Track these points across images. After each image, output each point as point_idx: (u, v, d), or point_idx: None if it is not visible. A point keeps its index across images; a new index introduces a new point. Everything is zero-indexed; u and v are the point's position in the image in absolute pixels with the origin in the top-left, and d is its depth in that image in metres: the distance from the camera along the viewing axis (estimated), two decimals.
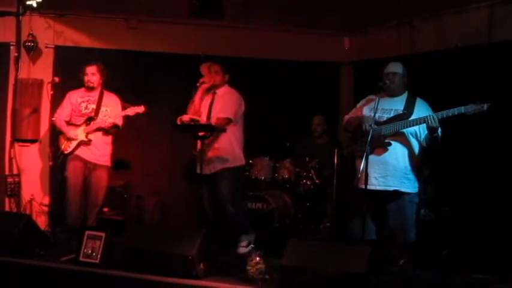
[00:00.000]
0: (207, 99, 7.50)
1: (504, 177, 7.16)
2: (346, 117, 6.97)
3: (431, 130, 6.21)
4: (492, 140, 7.31)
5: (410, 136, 6.45)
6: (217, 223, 7.48)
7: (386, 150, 6.42)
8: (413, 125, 6.34)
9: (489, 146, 7.34)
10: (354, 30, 9.91)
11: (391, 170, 6.43)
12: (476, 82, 7.37)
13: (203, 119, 7.36)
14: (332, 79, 10.11)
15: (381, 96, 6.45)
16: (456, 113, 6.03)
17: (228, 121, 7.33)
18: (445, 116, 6.09)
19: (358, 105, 6.90)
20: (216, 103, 7.45)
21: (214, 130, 7.25)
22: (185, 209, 9.23)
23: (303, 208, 8.71)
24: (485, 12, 7.59)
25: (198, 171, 7.32)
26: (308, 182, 8.69)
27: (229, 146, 7.44)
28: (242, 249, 7.33)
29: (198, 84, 7.40)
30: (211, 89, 7.50)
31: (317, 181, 8.66)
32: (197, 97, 7.43)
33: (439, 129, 6.19)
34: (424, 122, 6.22)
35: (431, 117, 6.12)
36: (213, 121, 7.33)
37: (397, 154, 6.45)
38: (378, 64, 6.93)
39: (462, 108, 5.99)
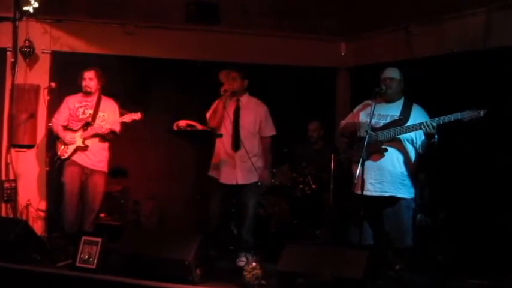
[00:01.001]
0: (231, 107, 7.44)
1: (500, 182, 7.16)
2: (343, 122, 6.98)
3: (428, 136, 6.21)
4: (488, 146, 7.32)
5: (406, 142, 6.45)
6: (217, 231, 7.48)
7: (383, 156, 6.42)
8: (409, 131, 6.34)
9: (485, 152, 7.34)
10: (350, 36, 9.91)
11: (387, 175, 6.43)
12: (472, 88, 7.38)
13: (227, 127, 7.37)
14: (329, 84, 10.12)
15: (377, 102, 6.46)
16: (453, 119, 6.03)
17: (273, 137, 7.53)
18: (441, 122, 6.09)
19: (355, 110, 6.89)
20: (243, 114, 7.43)
21: (212, 136, 7.25)
22: (182, 213, 9.24)
23: (300, 213, 8.71)
24: (482, 18, 7.61)
25: (223, 180, 7.33)
26: (305, 188, 8.69)
27: (260, 159, 7.47)
28: (241, 263, 7.24)
29: (222, 93, 7.31)
30: (233, 96, 7.45)
31: (314, 186, 8.66)
32: (221, 105, 7.33)
33: (436, 135, 6.21)
34: (421, 128, 6.23)
35: (428, 123, 6.13)
36: (243, 134, 7.33)
37: (393, 160, 6.45)
38: (375, 69, 6.93)
39: (459, 114, 5.99)
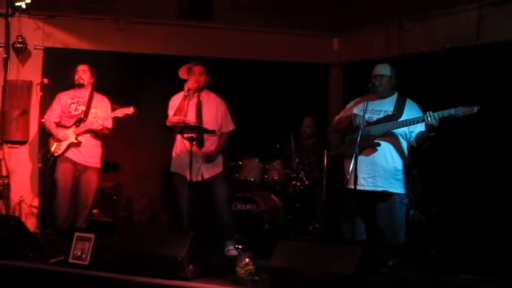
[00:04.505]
0: (193, 102, 7.44)
1: (493, 178, 7.18)
2: (336, 118, 6.95)
3: (429, 128, 6.20)
4: (481, 141, 7.33)
5: (399, 137, 6.46)
6: (194, 227, 7.45)
7: (376, 150, 6.43)
8: (403, 126, 6.34)
9: (478, 147, 7.36)
10: (343, 32, 9.91)
11: (379, 170, 6.44)
12: (465, 84, 7.39)
13: (191, 121, 7.36)
14: (321, 80, 10.11)
15: (370, 98, 6.47)
16: (446, 115, 6.04)
17: (232, 132, 7.52)
18: (439, 116, 6.08)
19: (348, 106, 6.88)
20: (205, 109, 7.43)
21: (203, 132, 7.24)
22: (175, 210, 9.22)
23: (293, 209, 8.72)
24: (474, 14, 7.62)
25: (189, 178, 7.31)
26: (297, 183, 8.70)
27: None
28: (231, 252, 7.32)
29: (186, 91, 7.35)
30: (195, 92, 7.44)
31: (306, 182, 8.66)
32: (185, 104, 7.34)
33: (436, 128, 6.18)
34: (413, 123, 6.26)
35: (432, 114, 6.10)
36: (209, 127, 7.31)
37: (386, 155, 6.46)
38: (367, 65, 6.92)
39: (452, 110, 5.99)
